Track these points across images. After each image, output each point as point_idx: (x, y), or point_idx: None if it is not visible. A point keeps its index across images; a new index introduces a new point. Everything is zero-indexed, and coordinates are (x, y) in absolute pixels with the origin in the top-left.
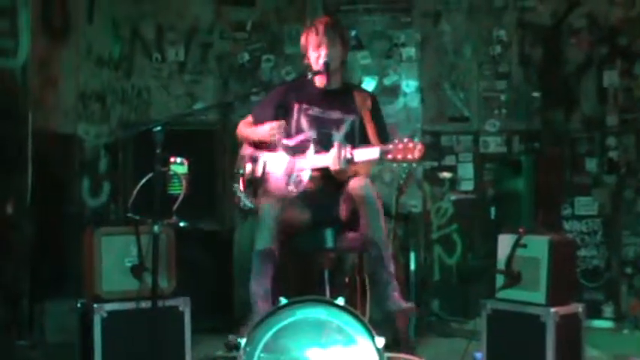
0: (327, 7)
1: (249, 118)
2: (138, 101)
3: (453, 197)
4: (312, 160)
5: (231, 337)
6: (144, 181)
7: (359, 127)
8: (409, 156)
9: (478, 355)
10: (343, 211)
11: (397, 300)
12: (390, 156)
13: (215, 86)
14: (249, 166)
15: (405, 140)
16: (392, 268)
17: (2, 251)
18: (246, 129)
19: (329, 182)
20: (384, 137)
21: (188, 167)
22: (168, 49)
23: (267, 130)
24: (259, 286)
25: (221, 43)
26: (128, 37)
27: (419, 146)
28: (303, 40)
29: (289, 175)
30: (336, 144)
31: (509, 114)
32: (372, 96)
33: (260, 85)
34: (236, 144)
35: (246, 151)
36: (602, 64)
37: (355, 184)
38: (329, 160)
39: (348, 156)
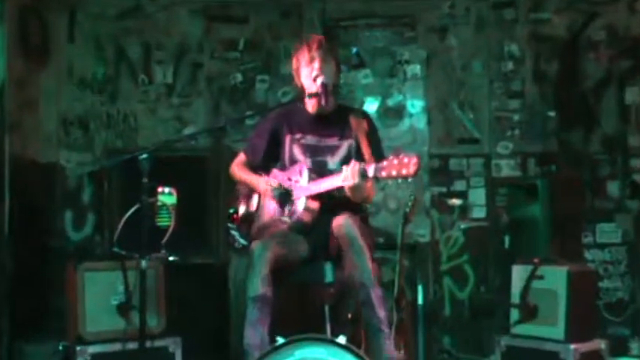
0: (326, 22)
1: (242, 157)
2: (123, 126)
3: (464, 225)
4: (308, 188)
5: None
6: (130, 212)
7: (355, 151)
8: (404, 171)
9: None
10: (333, 248)
11: (389, 351)
12: (384, 173)
13: (206, 109)
14: (242, 205)
15: (400, 155)
16: (382, 313)
17: None
18: (239, 172)
19: (326, 210)
20: (378, 155)
21: (177, 197)
22: (156, 69)
23: (261, 183)
24: (255, 335)
25: (212, 62)
26: (112, 57)
27: (414, 160)
28: (294, 61)
29: (283, 206)
30: (352, 162)
31: (524, 135)
32: (367, 117)
33: (254, 107)
34: (228, 171)
35: (242, 189)
36: (623, 80)
37: (335, 223)
38: (341, 178)
39: (362, 168)
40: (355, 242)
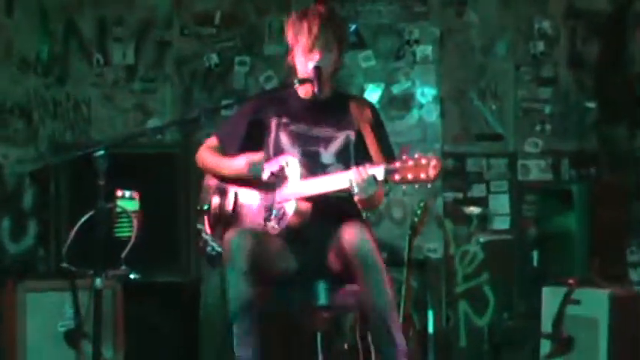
0: None
1: (213, 140)
2: (74, 116)
3: (483, 239)
4: (300, 188)
5: None
6: (82, 220)
7: (355, 143)
8: (422, 175)
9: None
10: (335, 263)
11: None
12: (397, 176)
13: (174, 97)
14: (215, 200)
15: (416, 156)
16: (402, 341)
17: None
18: (211, 157)
19: (322, 217)
20: (388, 154)
21: (140, 203)
22: (114, 48)
23: (244, 164)
24: (246, 351)
25: (182, 40)
26: (61, 34)
27: (433, 162)
28: (289, 33)
29: (269, 208)
30: (354, 168)
31: (556, 130)
32: (371, 105)
33: (233, 95)
34: (202, 172)
35: (212, 181)
36: None
37: (348, 237)
38: (346, 182)
39: (373, 175)
40: (373, 263)
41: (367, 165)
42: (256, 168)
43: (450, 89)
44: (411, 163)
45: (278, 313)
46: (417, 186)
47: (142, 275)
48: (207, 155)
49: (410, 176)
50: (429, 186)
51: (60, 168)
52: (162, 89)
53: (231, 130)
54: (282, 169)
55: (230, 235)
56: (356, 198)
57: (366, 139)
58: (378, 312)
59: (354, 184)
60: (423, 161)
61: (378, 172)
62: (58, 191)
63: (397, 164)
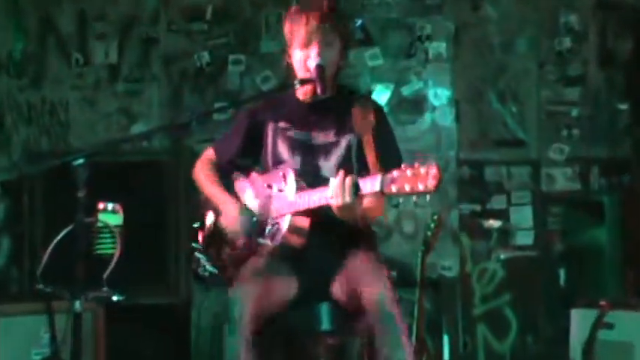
0: None
1: (210, 153)
2: (51, 121)
3: (504, 255)
4: (295, 201)
5: None
6: (60, 237)
7: (356, 150)
8: (420, 185)
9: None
10: (341, 294)
11: None
12: (394, 187)
13: (162, 100)
14: (210, 217)
15: (415, 165)
16: None
17: None
18: (206, 178)
19: (323, 236)
20: (388, 162)
21: (124, 216)
22: (95, 46)
23: (229, 212)
24: None
25: (170, 37)
26: (36, 30)
27: (433, 171)
28: (287, 29)
29: (263, 224)
30: (340, 172)
31: (584, 135)
32: (377, 107)
33: (226, 97)
34: (191, 180)
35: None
36: None
37: (368, 294)
38: (328, 194)
39: (354, 183)
40: (392, 322)
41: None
42: (234, 220)
43: (466, 90)
44: (408, 172)
45: (279, 339)
46: (415, 198)
47: (126, 297)
48: (201, 174)
49: (407, 187)
50: (428, 198)
51: (35, 178)
52: (148, 91)
53: (228, 143)
54: (278, 182)
55: (233, 292)
56: (334, 208)
57: (364, 145)
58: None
59: (331, 188)
60: (422, 170)
61: (366, 183)
62: (32, 204)
63: (394, 173)
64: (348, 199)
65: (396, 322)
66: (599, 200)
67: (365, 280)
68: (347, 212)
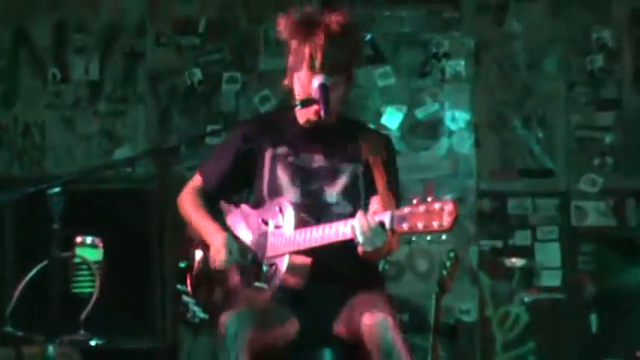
0: None
1: (198, 180)
2: (24, 144)
3: (528, 298)
4: (294, 239)
5: None
6: (32, 273)
7: (363, 179)
8: (434, 223)
9: None
10: (345, 334)
11: None
12: (405, 225)
13: (148, 121)
14: (198, 254)
15: (429, 200)
16: None
17: None
18: (192, 208)
19: (324, 272)
20: (396, 197)
21: (104, 251)
22: (74, 61)
23: (215, 245)
24: None
25: (158, 52)
26: (8, 43)
27: (449, 207)
28: (287, 38)
29: (259, 264)
30: (359, 214)
31: (619, 164)
32: (387, 140)
33: (220, 119)
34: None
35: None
36: None
37: (368, 322)
38: (349, 231)
39: (380, 222)
40: (395, 354)
41: (373, 212)
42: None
43: (488, 113)
44: (421, 208)
45: None
46: (428, 237)
47: (106, 341)
48: (187, 203)
49: (420, 225)
50: (444, 237)
51: (5, 208)
52: (133, 111)
53: (214, 167)
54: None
55: (227, 320)
56: (360, 249)
57: (375, 178)
58: None
59: (359, 234)
60: (436, 206)
61: (386, 219)
62: (2, 237)
63: (406, 210)
64: (378, 242)
65: (398, 349)
66: (635, 237)
67: (364, 308)
68: (376, 254)
